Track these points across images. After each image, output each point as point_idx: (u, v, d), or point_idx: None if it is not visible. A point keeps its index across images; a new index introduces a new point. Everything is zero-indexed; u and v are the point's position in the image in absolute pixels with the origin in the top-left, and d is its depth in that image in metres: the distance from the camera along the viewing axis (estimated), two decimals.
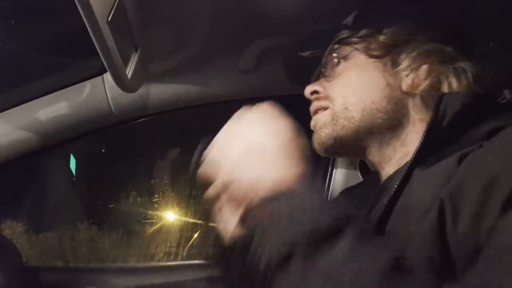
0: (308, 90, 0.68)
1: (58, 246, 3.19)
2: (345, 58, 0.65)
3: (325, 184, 1.12)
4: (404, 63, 0.61)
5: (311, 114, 0.68)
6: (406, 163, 0.52)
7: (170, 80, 0.91)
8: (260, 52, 0.90)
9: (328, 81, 0.66)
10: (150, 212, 3.61)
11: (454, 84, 0.58)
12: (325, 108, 0.65)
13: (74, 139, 0.88)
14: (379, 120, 0.60)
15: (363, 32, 0.64)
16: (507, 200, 0.37)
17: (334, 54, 0.66)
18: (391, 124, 0.60)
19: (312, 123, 0.67)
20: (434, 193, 0.43)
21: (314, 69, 0.74)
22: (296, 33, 0.73)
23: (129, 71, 0.77)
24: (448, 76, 0.59)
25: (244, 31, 0.85)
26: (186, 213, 3.57)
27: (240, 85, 0.94)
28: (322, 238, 0.39)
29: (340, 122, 0.61)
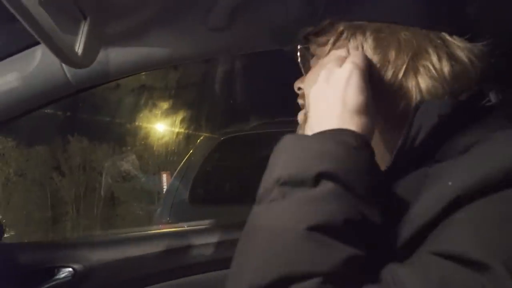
0: (295, 86, 0.62)
1: (52, 158, 3.26)
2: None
3: None
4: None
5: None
6: None
7: (133, 42, 0.80)
8: (233, 7, 0.78)
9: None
10: (140, 123, 3.60)
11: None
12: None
13: (30, 112, 0.81)
14: None
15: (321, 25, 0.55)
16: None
17: (305, 50, 0.60)
18: None
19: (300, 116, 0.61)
20: None
21: None
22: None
23: (79, 46, 0.67)
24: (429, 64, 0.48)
25: None
26: (177, 123, 3.57)
27: (211, 43, 0.84)
28: None
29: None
